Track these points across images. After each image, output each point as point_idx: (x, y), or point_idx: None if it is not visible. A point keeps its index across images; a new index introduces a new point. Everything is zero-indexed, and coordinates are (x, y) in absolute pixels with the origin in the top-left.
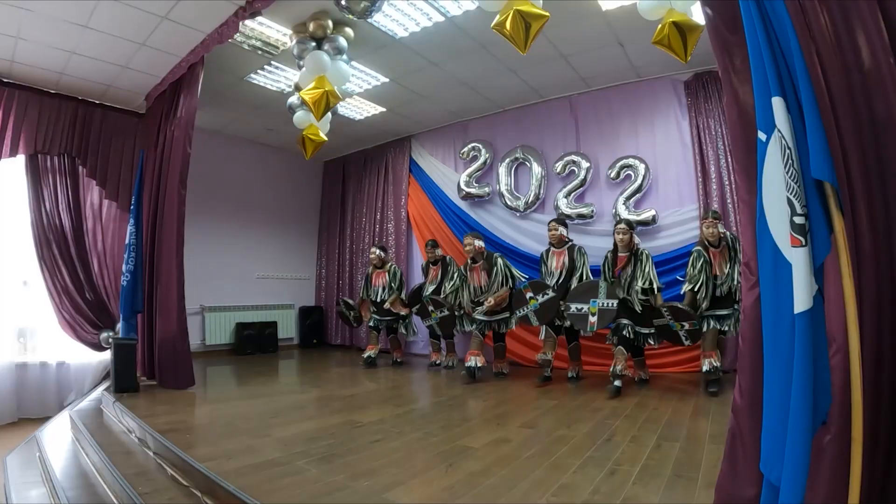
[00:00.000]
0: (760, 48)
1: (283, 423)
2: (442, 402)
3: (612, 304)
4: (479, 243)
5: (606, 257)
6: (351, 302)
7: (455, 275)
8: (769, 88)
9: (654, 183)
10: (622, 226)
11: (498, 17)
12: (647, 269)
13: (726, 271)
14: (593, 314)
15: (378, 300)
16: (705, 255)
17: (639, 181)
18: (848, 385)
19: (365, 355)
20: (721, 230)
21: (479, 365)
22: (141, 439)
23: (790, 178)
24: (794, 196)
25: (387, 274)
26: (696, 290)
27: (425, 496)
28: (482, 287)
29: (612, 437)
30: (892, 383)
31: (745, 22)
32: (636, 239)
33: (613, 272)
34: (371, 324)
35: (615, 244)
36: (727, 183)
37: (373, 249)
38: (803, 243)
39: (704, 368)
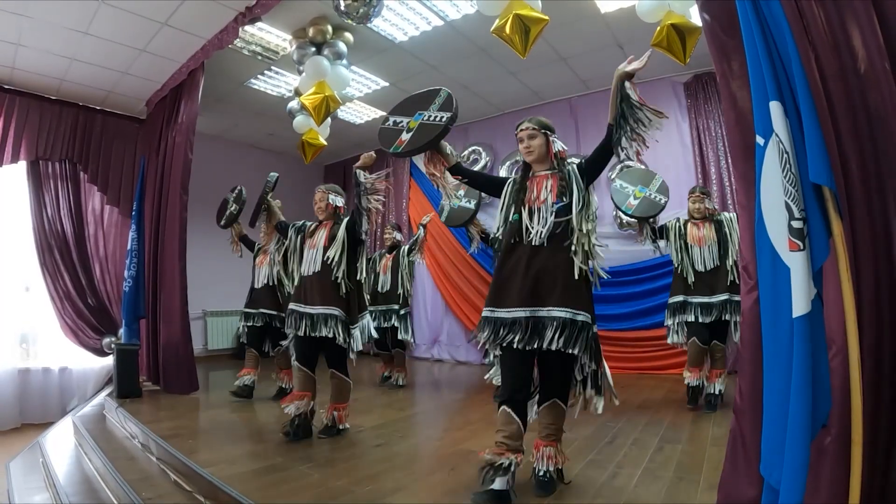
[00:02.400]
0: (758, 52)
1: None
2: (444, 406)
3: (443, 117)
4: (336, 200)
5: (514, 181)
6: (243, 196)
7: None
8: (766, 92)
9: None
10: (527, 124)
11: (497, 21)
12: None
13: (706, 241)
14: (409, 130)
15: (258, 286)
16: (679, 224)
17: None
18: (848, 387)
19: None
20: (709, 206)
21: (299, 411)
22: (144, 445)
23: (788, 182)
24: (791, 200)
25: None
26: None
27: (428, 500)
28: (316, 249)
29: (613, 440)
30: (892, 385)
31: (743, 26)
32: (558, 146)
33: (524, 199)
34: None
35: (524, 164)
36: (727, 184)
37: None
38: (801, 248)
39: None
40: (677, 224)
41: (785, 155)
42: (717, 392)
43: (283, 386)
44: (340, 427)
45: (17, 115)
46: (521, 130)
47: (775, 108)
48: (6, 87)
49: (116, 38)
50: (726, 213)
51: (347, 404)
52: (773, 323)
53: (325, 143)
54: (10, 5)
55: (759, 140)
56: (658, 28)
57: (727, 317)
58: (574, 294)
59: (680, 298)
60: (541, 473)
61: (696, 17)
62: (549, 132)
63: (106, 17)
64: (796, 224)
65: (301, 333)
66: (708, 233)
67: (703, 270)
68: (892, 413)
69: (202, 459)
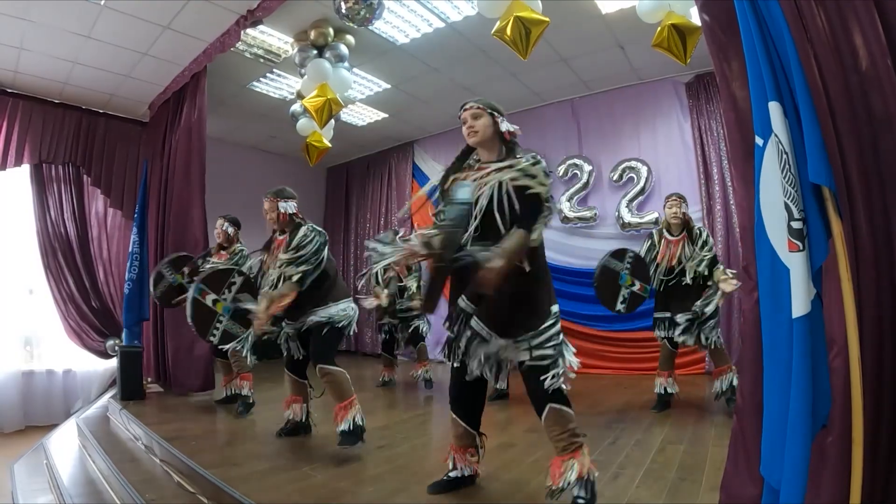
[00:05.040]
0: (757, 52)
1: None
2: (446, 407)
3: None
4: (288, 206)
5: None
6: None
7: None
8: (766, 93)
9: (657, 185)
10: (472, 103)
11: (498, 23)
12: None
13: (677, 265)
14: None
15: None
16: (654, 238)
17: (641, 183)
18: (847, 388)
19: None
20: (684, 211)
21: (297, 417)
22: (147, 446)
23: (787, 183)
24: (791, 201)
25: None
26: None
27: (430, 501)
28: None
29: (616, 441)
30: (893, 385)
31: (742, 26)
32: (506, 126)
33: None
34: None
35: (464, 148)
36: (729, 184)
37: (220, 222)
38: (801, 248)
39: (655, 389)
40: (651, 241)
41: (784, 155)
42: (725, 388)
43: (230, 393)
44: (351, 427)
45: (21, 119)
46: (465, 110)
47: (774, 108)
48: (9, 90)
49: (119, 41)
50: (701, 228)
51: (353, 398)
52: (772, 323)
53: (330, 145)
54: (12, 9)
55: (759, 140)
56: (658, 29)
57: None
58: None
59: (659, 314)
60: (577, 496)
61: (696, 17)
62: (496, 113)
63: (108, 21)
64: (796, 224)
65: (295, 355)
66: (677, 251)
67: (669, 289)
68: (893, 414)
69: (205, 461)
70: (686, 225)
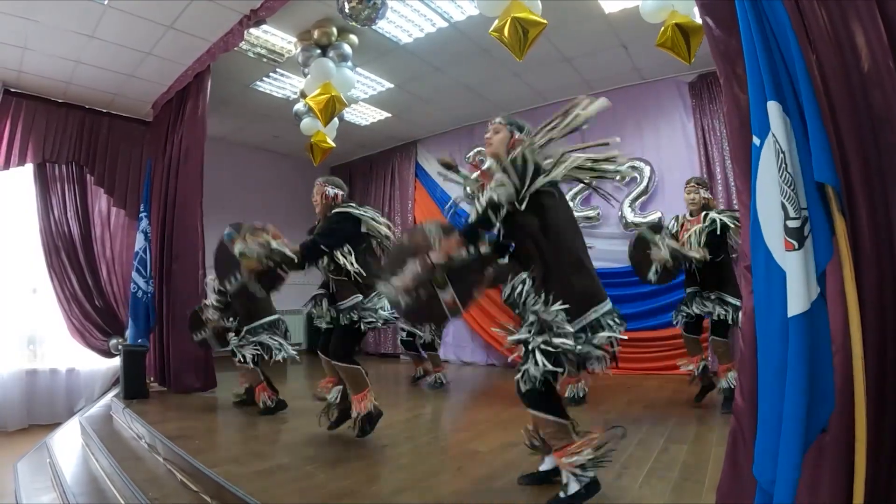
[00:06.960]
0: (756, 52)
1: (292, 429)
2: (450, 407)
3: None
4: (329, 190)
5: None
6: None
7: None
8: (764, 93)
9: (660, 185)
10: (498, 118)
11: (496, 22)
12: None
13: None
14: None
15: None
16: (676, 223)
17: (644, 183)
18: (847, 386)
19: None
20: (705, 196)
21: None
22: (150, 445)
23: (784, 182)
24: (787, 200)
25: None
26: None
27: (433, 501)
28: None
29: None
30: (895, 382)
31: (742, 26)
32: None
33: None
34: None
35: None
36: (733, 184)
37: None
38: (797, 247)
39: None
40: (675, 223)
41: (781, 155)
42: (729, 386)
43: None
44: (365, 413)
45: (24, 118)
46: (490, 124)
47: (773, 108)
48: (13, 90)
49: (122, 41)
50: (716, 214)
51: (367, 390)
52: (765, 323)
53: (334, 144)
54: (16, 9)
55: (756, 140)
56: (662, 28)
57: (721, 315)
58: None
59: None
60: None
61: (699, 16)
62: (516, 129)
63: (111, 21)
64: (792, 224)
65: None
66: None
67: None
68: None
69: (208, 459)
70: (706, 209)
